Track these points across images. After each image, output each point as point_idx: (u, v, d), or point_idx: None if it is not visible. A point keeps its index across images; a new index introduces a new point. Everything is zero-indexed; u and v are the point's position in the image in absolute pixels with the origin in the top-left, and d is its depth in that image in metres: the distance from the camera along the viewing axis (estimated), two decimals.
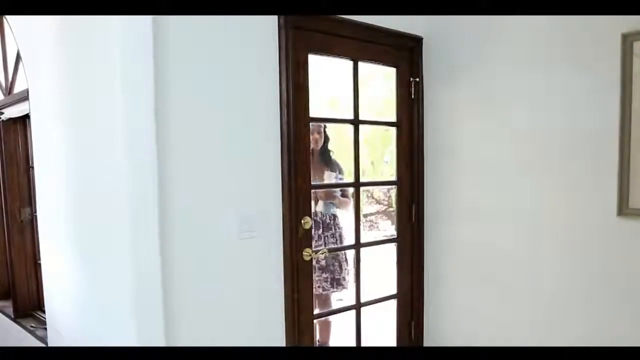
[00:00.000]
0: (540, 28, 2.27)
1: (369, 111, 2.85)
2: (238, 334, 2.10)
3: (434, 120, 2.71)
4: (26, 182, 3.44)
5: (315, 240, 3.08)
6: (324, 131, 3.24)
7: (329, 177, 3.25)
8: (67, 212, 2.36)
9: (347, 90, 2.53)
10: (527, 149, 2.35)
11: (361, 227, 2.64)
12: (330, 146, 3.29)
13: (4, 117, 3.32)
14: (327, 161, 3.26)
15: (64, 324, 2.53)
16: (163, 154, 1.83)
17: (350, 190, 3.05)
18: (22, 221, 3.42)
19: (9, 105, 3.25)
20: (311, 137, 3.11)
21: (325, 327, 3.30)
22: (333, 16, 2.28)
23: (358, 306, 2.64)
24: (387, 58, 2.64)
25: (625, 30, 2.00)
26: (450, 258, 2.71)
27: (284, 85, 2.16)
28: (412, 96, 2.72)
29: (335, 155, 3.30)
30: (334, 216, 3.25)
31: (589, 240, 2.19)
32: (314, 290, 2.46)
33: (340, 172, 3.28)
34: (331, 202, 3.28)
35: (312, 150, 3.15)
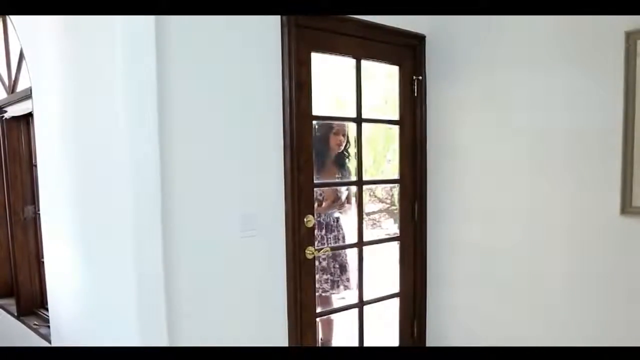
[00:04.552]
0: (543, 27, 2.26)
1: (371, 109, 2.84)
2: (240, 332, 2.11)
3: (437, 118, 2.71)
4: (29, 180, 3.44)
5: (318, 241, 3.07)
6: (347, 134, 3.18)
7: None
8: (70, 211, 2.36)
9: (350, 88, 2.52)
10: (530, 148, 2.35)
11: (364, 225, 2.64)
12: (350, 149, 3.21)
13: (7, 115, 3.33)
14: (342, 164, 3.23)
15: (67, 323, 2.53)
16: (165, 153, 1.83)
17: (353, 189, 3.05)
18: (25, 219, 3.43)
19: (12, 104, 3.25)
20: (335, 139, 3.12)
21: (328, 325, 3.30)
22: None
23: (361, 304, 2.64)
24: (389, 56, 2.64)
25: (628, 28, 1.99)
26: (452, 257, 2.71)
27: (286, 84, 2.16)
28: (415, 94, 2.71)
29: (350, 158, 3.22)
30: (337, 218, 3.24)
31: (591, 239, 2.18)
32: (316, 288, 2.46)
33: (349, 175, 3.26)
34: (337, 210, 3.26)
35: (333, 152, 3.14)
